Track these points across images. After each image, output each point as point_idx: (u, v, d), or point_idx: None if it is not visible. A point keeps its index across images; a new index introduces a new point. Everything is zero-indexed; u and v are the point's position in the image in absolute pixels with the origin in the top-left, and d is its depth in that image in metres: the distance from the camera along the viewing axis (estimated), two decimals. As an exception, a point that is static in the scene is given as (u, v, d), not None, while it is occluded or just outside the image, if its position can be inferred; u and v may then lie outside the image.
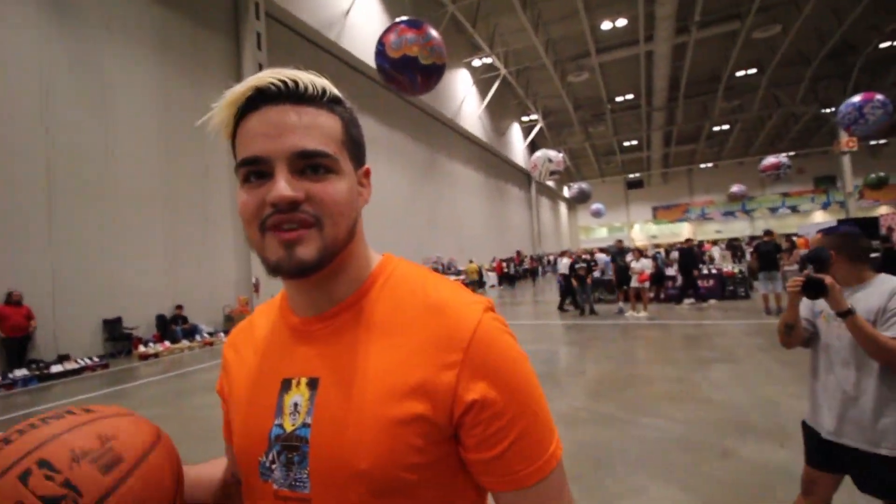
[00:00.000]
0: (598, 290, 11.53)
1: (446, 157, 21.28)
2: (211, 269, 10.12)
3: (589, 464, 3.02)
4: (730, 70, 21.65)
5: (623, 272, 9.67)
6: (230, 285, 10.57)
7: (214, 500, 0.65)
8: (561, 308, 11.14)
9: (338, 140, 0.51)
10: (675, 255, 12.60)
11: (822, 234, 1.76)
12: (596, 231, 45.46)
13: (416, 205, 18.32)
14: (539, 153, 15.99)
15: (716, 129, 31.30)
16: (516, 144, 30.29)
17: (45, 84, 7.43)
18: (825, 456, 1.69)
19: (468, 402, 0.48)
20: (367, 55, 13.61)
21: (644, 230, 42.25)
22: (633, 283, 9.30)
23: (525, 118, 30.43)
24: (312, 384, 0.52)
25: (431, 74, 5.66)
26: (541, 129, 29.88)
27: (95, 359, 7.27)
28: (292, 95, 0.49)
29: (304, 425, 0.50)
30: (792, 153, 29.75)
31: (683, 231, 40.29)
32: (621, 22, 18.21)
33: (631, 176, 41.86)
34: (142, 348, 7.89)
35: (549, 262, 28.59)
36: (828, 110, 23.92)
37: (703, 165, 38.58)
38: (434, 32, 5.85)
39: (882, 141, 31.09)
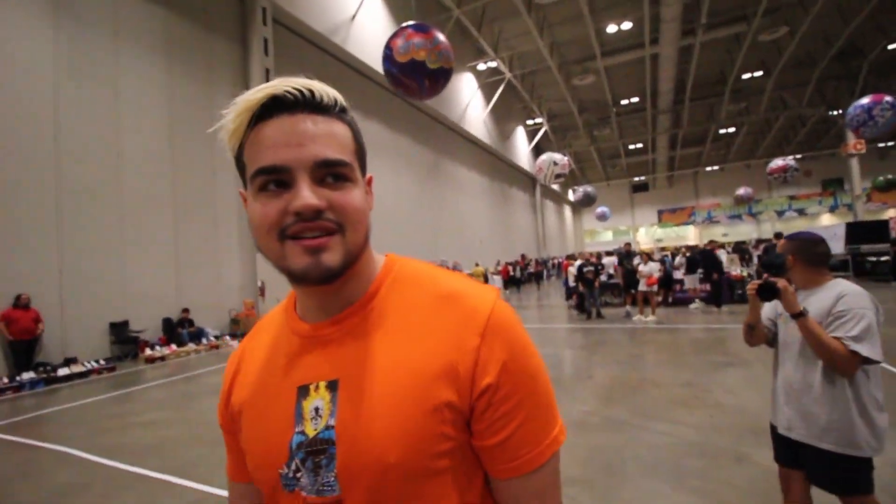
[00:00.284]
0: (605, 294, 11.45)
1: (451, 160, 21.30)
2: (217, 273, 10.15)
3: (601, 469, 2.98)
4: (736, 72, 21.55)
5: (631, 275, 9.61)
6: (236, 289, 10.60)
7: None
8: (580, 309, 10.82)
9: (351, 149, 0.52)
10: (680, 259, 12.52)
11: (786, 239, 1.82)
12: (601, 234, 45.30)
13: (422, 208, 18.33)
14: (544, 156, 15.98)
15: (722, 131, 31.16)
16: (521, 148, 30.28)
17: (55, 88, 7.50)
18: (788, 452, 1.75)
19: (483, 385, 0.49)
20: (373, 60, 13.67)
21: (649, 233, 42.05)
22: (642, 287, 9.24)
23: (530, 122, 30.43)
24: (332, 386, 0.52)
25: (439, 78, 5.67)
26: (545, 132, 29.87)
27: (102, 362, 7.30)
28: (308, 104, 0.50)
29: (328, 427, 0.50)
30: (799, 156, 29.57)
31: (689, 234, 40.08)
32: (626, 25, 18.19)
33: (636, 179, 41.72)
34: (148, 351, 7.92)
35: (553, 265, 28.50)
36: (835, 112, 23.78)
37: (708, 168, 38.39)
38: (441, 36, 5.86)
39: (890, 143, 30.83)
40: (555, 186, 37.91)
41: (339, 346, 0.54)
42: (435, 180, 19.67)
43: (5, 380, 6.24)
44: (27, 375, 6.38)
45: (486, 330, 0.50)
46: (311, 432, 0.51)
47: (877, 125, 10.69)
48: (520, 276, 21.02)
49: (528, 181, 33.28)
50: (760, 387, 4.50)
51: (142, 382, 6.45)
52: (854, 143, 20.65)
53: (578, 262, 10.78)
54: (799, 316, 1.60)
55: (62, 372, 6.71)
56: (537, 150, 30.62)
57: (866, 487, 1.59)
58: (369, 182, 0.58)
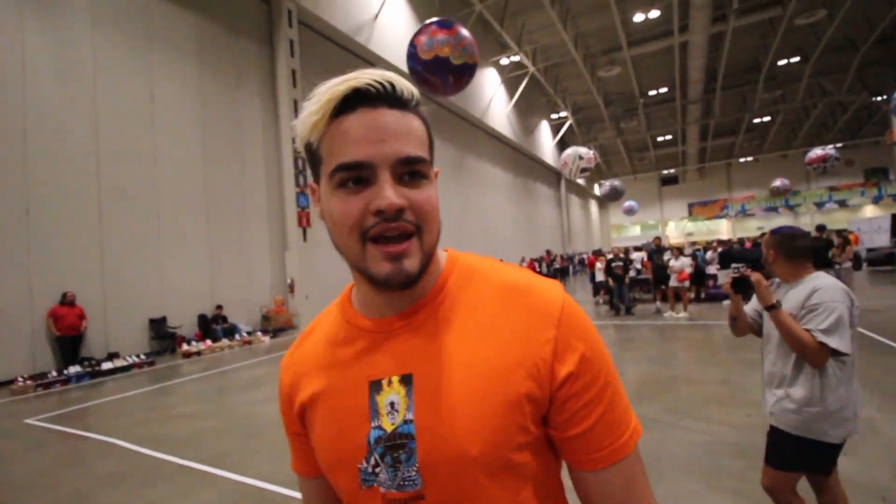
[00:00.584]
0: (634, 290, 11.21)
1: (475, 156, 21.22)
2: (248, 271, 10.43)
3: (633, 467, 2.92)
4: (771, 59, 20.66)
5: (661, 271, 9.38)
6: (266, 286, 10.87)
7: None
8: (610, 305, 10.71)
9: (426, 144, 0.52)
10: (712, 254, 12.14)
11: (769, 234, 1.90)
12: (629, 229, 44.32)
13: (445, 205, 18.31)
14: (569, 150, 15.72)
15: (756, 121, 29.95)
16: (545, 142, 29.91)
17: (94, 93, 7.84)
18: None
19: (563, 376, 0.49)
20: (396, 58, 13.73)
21: (679, 227, 40.90)
22: (672, 283, 9.00)
23: (554, 116, 30.01)
24: (406, 380, 0.51)
25: (463, 74, 5.64)
26: (570, 126, 29.40)
27: (143, 356, 7.62)
28: (389, 98, 0.49)
29: (406, 422, 0.50)
30: (840, 144, 28.13)
31: (721, 228, 38.79)
32: (654, 13, 17.67)
33: (665, 172, 40.60)
34: (185, 346, 8.21)
35: (579, 261, 28.08)
36: (879, 98, 22.52)
37: (742, 159, 37.03)
38: (465, 32, 5.83)
39: (941, 129, 28.99)
40: (580, 181, 37.27)
41: (409, 340, 0.53)
42: (459, 177, 19.65)
43: (53, 373, 6.59)
44: (73, 369, 6.72)
45: (560, 321, 0.51)
46: (388, 427, 0.51)
47: (927, 110, 10.06)
48: (545, 273, 20.78)
49: (552, 176, 32.85)
50: (801, 385, 4.32)
51: (179, 376, 6.69)
52: (901, 130, 19.50)
53: (609, 257, 10.60)
54: (771, 308, 1.69)
55: (106, 366, 7.03)
56: (562, 145, 30.19)
57: (826, 468, 1.74)
58: (435, 175, 0.57)
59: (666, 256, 9.48)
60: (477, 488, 0.48)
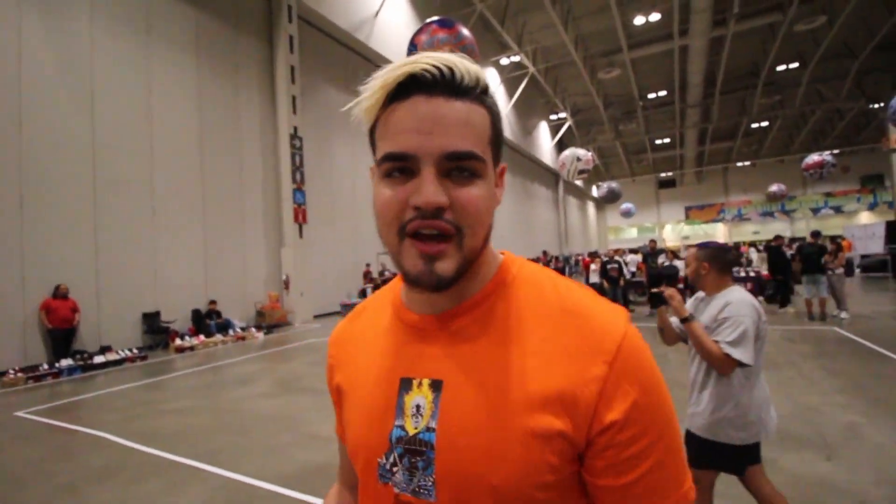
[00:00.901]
0: (629, 293, 11.24)
1: (473, 156, 21.20)
2: (243, 266, 10.42)
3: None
4: (770, 64, 20.73)
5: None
6: (261, 282, 10.86)
7: None
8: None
9: (486, 139, 0.48)
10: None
11: (697, 248, 2.00)
12: (625, 231, 44.45)
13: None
14: (567, 152, 15.74)
15: (754, 125, 30.05)
16: (544, 143, 29.93)
17: (92, 85, 7.80)
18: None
19: (608, 421, 0.44)
20: (397, 56, 13.71)
21: (676, 231, 41.05)
22: (666, 286, 9.05)
23: (553, 116, 30.04)
24: (436, 386, 0.49)
25: (461, 74, 5.65)
26: (569, 127, 29.44)
27: (135, 350, 7.60)
28: (447, 86, 0.45)
29: (429, 429, 0.48)
30: (836, 151, 28.31)
31: (718, 232, 38.94)
32: (655, 16, 17.69)
33: (663, 175, 40.70)
34: (178, 341, 8.20)
35: (575, 262, 28.14)
36: (876, 105, 22.64)
37: (739, 164, 37.14)
38: (466, 31, 5.84)
39: (937, 137, 29.17)
40: (578, 182, 37.31)
41: (448, 344, 0.50)
42: (456, 176, 19.63)
43: (45, 366, 6.57)
44: (65, 362, 6.70)
45: (615, 358, 0.45)
46: (411, 430, 0.49)
47: (922, 119, 10.12)
48: None
49: (550, 177, 32.89)
50: (790, 390, 4.37)
51: (172, 371, 6.69)
52: (896, 138, 19.62)
53: (605, 259, 10.63)
54: (685, 321, 1.84)
55: (98, 360, 7.01)
56: (560, 146, 30.25)
57: (736, 469, 1.87)
58: (502, 172, 0.54)
59: (660, 259, 9.52)
60: None
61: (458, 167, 0.46)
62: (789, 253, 15.01)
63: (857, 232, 18.78)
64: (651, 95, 26.42)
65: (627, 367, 0.45)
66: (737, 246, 20.44)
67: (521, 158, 27.19)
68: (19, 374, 6.20)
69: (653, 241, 10.79)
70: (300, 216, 11.32)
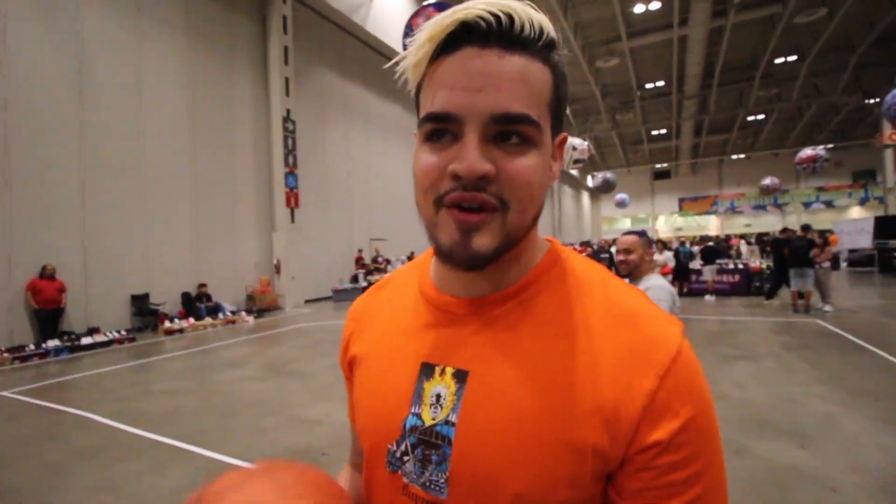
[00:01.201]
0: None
1: (468, 143, 21.10)
2: (234, 249, 10.36)
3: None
4: (768, 56, 20.65)
5: (645, 264, 9.50)
6: (252, 266, 10.82)
7: None
8: None
9: (544, 101, 0.41)
10: (693, 250, 12.29)
11: (639, 236, 2.05)
12: (619, 222, 44.62)
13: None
14: (563, 141, 15.68)
15: (750, 118, 30.05)
16: (540, 131, 29.79)
17: (79, 66, 7.63)
18: None
19: (650, 441, 0.38)
20: (393, 39, 13.51)
21: (669, 222, 41.27)
22: (655, 276, 9.14)
23: (550, 105, 29.84)
24: (461, 377, 0.44)
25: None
26: (566, 116, 29.27)
27: (123, 332, 7.59)
28: (504, 37, 0.39)
29: (448, 423, 0.43)
30: (830, 145, 28.39)
31: (711, 224, 39.19)
32: (655, 5, 17.51)
33: (658, 166, 40.76)
34: (167, 324, 8.18)
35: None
36: (872, 101, 22.71)
37: (734, 156, 37.24)
38: (458, 15, 5.75)
39: (930, 134, 29.35)
40: (574, 172, 37.30)
41: (479, 332, 0.45)
42: (451, 163, 19.55)
43: (31, 346, 6.55)
44: (52, 343, 6.67)
45: (668, 373, 0.39)
46: (428, 420, 0.44)
47: (915, 115, 10.18)
48: None
49: (546, 166, 32.78)
50: (769, 380, 4.45)
51: (160, 353, 6.68)
52: (890, 134, 19.72)
53: (595, 248, 10.70)
54: None
55: (85, 341, 6.99)
56: (557, 135, 30.07)
57: None
58: (562, 143, 0.47)
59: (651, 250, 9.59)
60: None
61: (508, 131, 0.40)
62: (779, 246, 15.08)
63: (846, 227, 18.98)
64: (649, 85, 26.28)
65: (680, 383, 0.40)
66: (727, 238, 20.64)
67: (516, 146, 27.08)
68: (5, 355, 6.18)
69: (643, 232, 10.86)
70: (292, 200, 11.24)
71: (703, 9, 16.20)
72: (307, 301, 11.82)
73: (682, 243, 11.78)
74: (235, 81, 10.44)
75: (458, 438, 0.42)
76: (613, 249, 10.75)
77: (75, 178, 7.55)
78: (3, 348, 6.37)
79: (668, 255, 9.12)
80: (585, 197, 45.25)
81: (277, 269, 11.08)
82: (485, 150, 0.39)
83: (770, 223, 36.18)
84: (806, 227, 8.73)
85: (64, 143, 7.42)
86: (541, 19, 0.41)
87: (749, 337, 6.46)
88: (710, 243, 13.38)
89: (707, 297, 10.50)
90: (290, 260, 11.13)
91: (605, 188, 21.38)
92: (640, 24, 19.57)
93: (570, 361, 0.41)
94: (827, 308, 8.06)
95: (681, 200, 40.66)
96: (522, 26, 0.39)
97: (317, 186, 12.27)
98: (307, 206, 11.79)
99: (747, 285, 10.79)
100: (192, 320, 8.59)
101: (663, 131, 33.42)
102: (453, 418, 0.43)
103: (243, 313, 9.64)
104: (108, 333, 7.39)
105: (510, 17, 0.39)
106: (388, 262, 13.77)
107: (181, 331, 8.20)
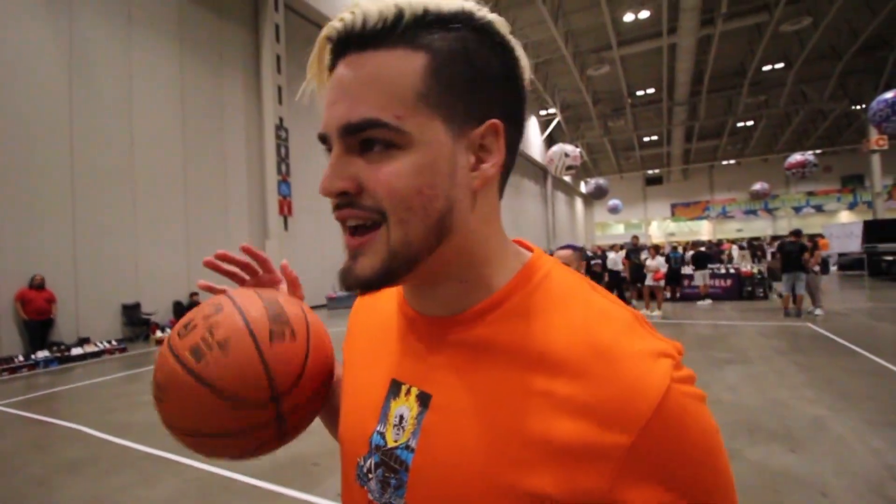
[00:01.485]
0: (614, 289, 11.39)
1: (462, 150, 21.20)
2: (227, 258, 10.31)
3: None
4: (756, 64, 21.00)
5: (638, 269, 9.55)
6: (245, 274, 10.76)
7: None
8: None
9: (410, 93, 0.35)
10: (690, 254, 12.39)
11: (573, 249, 2.28)
12: (612, 227, 44.91)
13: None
14: (556, 148, 15.83)
15: (740, 124, 30.49)
16: (533, 138, 30.01)
17: (70, 73, 7.61)
18: None
19: (627, 501, 0.31)
20: (384, 47, 13.61)
21: (662, 227, 41.59)
22: (648, 282, 9.18)
23: (543, 112, 30.09)
24: (424, 400, 0.41)
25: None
26: (558, 123, 29.53)
27: (114, 342, 7.50)
28: (354, 40, 0.36)
29: (408, 448, 0.40)
30: (819, 151, 28.82)
31: (703, 229, 39.52)
32: (644, 13, 17.78)
33: (650, 172, 41.14)
34: (159, 333, 8.10)
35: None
36: (858, 107, 23.11)
37: (725, 162, 37.67)
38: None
39: (916, 139, 29.87)
40: (566, 178, 37.55)
41: (440, 355, 0.41)
42: (445, 170, 19.63)
43: (20, 358, 6.46)
44: (42, 354, 6.59)
45: (646, 429, 0.31)
46: (390, 441, 0.42)
47: (900, 121, 10.37)
48: None
49: (539, 172, 33.01)
50: (761, 384, 4.48)
51: (151, 363, 6.59)
52: (876, 139, 20.09)
53: (613, 255, 10.72)
54: None
55: (76, 351, 6.91)
56: (550, 141, 30.32)
57: None
58: (492, 132, 0.38)
59: (643, 255, 9.65)
60: None
61: (366, 140, 0.36)
62: (770, 251, 15.23)
63: (836, 231, 19.21)
64: (640, 92, 26.61)
65: (661, 442, 0.31)
66: (719, 243, 20.81)
67: (510, 153, 27.23)
68: (-7, 366, 6.08)
69: (635, 237, 10.90)
70: (285, 208, 11.22)
71: (691, 18, 16.47)
72: (301, 309, 11.76)
73: (674, 248, 11.87)
74: (227, 89, 10.45)
75: (415, 467, 0.39)
76: (612, 255, 10.81)
77: (65, 186, 7.50)
78: (-10, 360, 6.28)
79: (661, 260, 9.18)
80: (579, 203, 45.52)
81: (270, 277, 11.04)
82: (347, 164, 0.36)
83: (761, 228, 36.54)
84: (797, 232, 8.83)
85: (54, 150, 7.37)
86: (398, 3, 0.35)
87: (741, 341, 6.50)
88: (703, 248, 13.49)
89: (701, 301, 10.57)
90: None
91: (598, 194, 21.51)
92: (630, 33, 19.85)
93: (532, 400, 0.35)
94: (818, 312, 8.13)
95: (673, 206, 41.01)
96: (365, 21, 0.35)
97: (310, 194, 12.26)
98: (300, 213, 11.77)
99: (739, 290, 10.87)
100: (183, 330, 8.51)
101: (654, 137, 33.78)
102: (413, 444, 0.40)
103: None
104: (98, 344, 7.30)
105: (364, 16, 0.35)
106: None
107: (173, 340, 8.13)
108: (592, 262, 10.00)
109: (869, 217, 22.00)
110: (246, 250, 0.65)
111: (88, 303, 7.72)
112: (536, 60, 22.01)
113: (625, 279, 10.10)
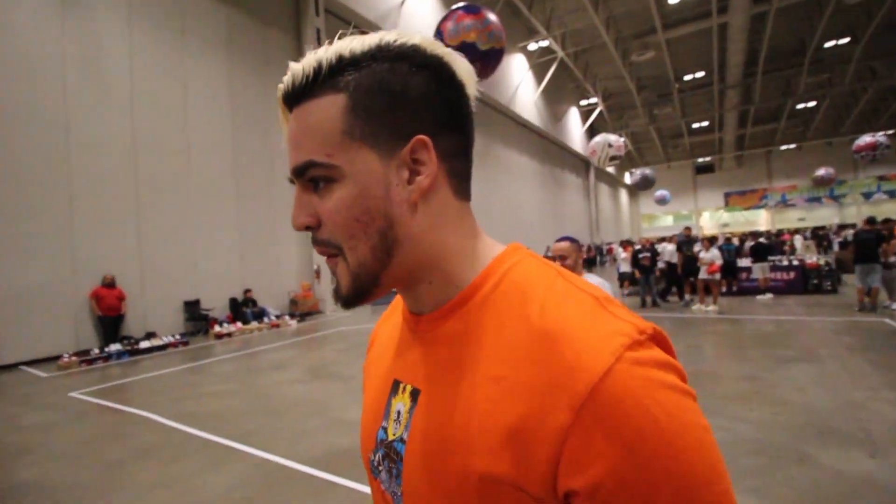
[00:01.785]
0: (661, 282, 10.92)
1: (501, 144, 21.01)
2: (276, 256, 10.73)
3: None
4: (817, 40, 19.45)
5: (691, 262, 9.13)
6: (294, 272, 11.17)
7: None
8: (664, 300, 10.44)
9: (335, 132, 0.39)
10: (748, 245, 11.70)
11: (570, 242, 2.32)
12: (660, 219, 43.16)
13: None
14: (598, 138, 15.37)
15: (800, 106, 28.38)
16: (574, 130, 29.28)
17: (132, 86, 8.13)
18: None
19: (568, 488, 0.32)
20: (422, 44, 13.66)
21: (714, 218, 39.52)
22: (702, 275, 8.74)
23: (584, 102, 29.27)
24: (414, 395, 0.44)
25: (490, 60, 5.59)
26: (600, 112, 28.65)
27: (178, 336, 7.99)
28: (292, 96, 0.41)
29: (402, 440, 0.44)
30: (891, 132, 26.40)
31: (760, 219, 37.25)
32: (691, -6, 16.90)
33: (700, 160, 39.17)
34: (217, 328, 8.55)
35: (607, 251, 27.57)
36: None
37: (784, 147, 35.27)
38: (492, 16, 5.76)
39: None
40: (610, 169, 36.41)
41: (429, 352, 0.45)
42: (483, 165, 19.52)
43: (96, 350, 7.00)
44: (114, 347, 7.11)
45: (585, 405, 0.32)
46: (390, 435, 0.46)
47: None
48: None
49: (581, 164, 32.20)
50: (832, 385, 4.17)
51: (211, 356, 6.99)
52: (962, 115, 18.12)
53: (637, 248, 10.39)
54: None
55: (143, 345, 7.41)
56: (592, 132, 29.49)
57: None
58: (421, 147, 0.41)
59: (696, 248, 9.21)
60: None
61: (311, 179, 0.41)
62: (837, 241, 14.17)
63: (915, 218, 17.54)
64: (687, 77, 25.30)
65: (604, 417, 0.32)
66: (779, 233, 19.55)
67: (550, 145, 26.71)
68: (73, 358, 6.63)
69: (688, 229, 10.43)
70: (330, 207, 11.52)
71: (744, -6, 15.49)
72: (346, 305, 12.10)
73: (728, 240, 11.25)
74: (272, 93, 10.82)
75: (406, 457, 0.43)
76: (661, 247, 10.40)
77: (131, 195, 8.05)
78: (70, 353, 6.85)
79: (715, 252, 8.71)
80: (623, 194, 44.05)
81: (318, 274, 11.39)
82: (306, 202, 0.42)
83: (825, 216, 34.00)
84: (871, 220, 8.14)
85: (119, 162, 7.92)
86: (320, 55, 0.40)
87: (808, 338, 6.08)
88: (762, 239, 12.70)
89: (761, 296, 9.98)
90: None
91: (644, 185, 20.69)
92: (675, 15, 18.91)
93: (492, 388, 0.37)
94: (895, 306, 7.49)
95: (727, 195, 38.88)
96: (293, 80, 0.41)
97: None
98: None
99: (804, 283, 10.17)
100: (239, 325, 8.95)
101: (705, 123, 32.09)
102: (405, 436, 0.44)
103: (287, 317, 9.95)
104: (163, 338, 7.80)
105: (293, 76, 0.41)
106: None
107: (230, 335, 8.56)
108: (640, 254, 9.64)
109: (953, 202, 19.94)
110: None
111: (154, 300, 8.27)
112: (576, 49, 21.41)
113: (674, 272, 9.70)
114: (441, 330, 0.44)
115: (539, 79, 22.07)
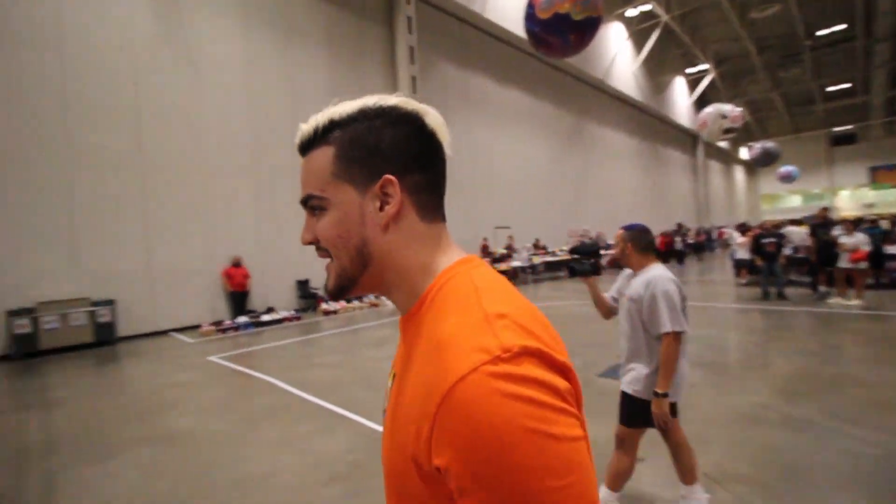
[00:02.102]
0: (790, 272, 9.54)
1: (595, 121, 19.90)
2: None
3: (778, 471, 2.60)
4: None
5: (828, 248, 7.87)
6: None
7: None
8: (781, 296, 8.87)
9: (327, 173, 0.53)
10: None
11: (623, 230, 2.22)
12: (784, 199, 37.86)
13: (561, 175, 17.63)
14: (710, 109, 13.87)
15: (984, 55, 22.85)
16: (679, 101, 26.71)
17: (247, 85, 9.01)
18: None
19: (437, 465, 0.40)
20: (513, 23, 13.28)
21: (856, 197, 33.76)
22: (843, 263, 7.50)
23: (691, 70, 26.51)
24: (394, 380, 0.56)
25: (586, 30, 5.24)
26: (712, 80, 25.74)
27: (293, 312, 8.87)
28: (301, 148, 0.57)
29: (384, 412, 0.57)
30: None
31: (918, 197, 31.06)
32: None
33: (837, 129, 33.49)
34: (324, 306, 9.32)
35: (718, 236, 24.93)
36: None
37: (956, 108, 28.81)
38: (588, -17, 5.38)
39: None
40: (723, 144, 32.72)
41: (402, 345, 0.57)
42: (576, 144, 18.66)
43: (227, 321, 8.03)
44: (242, 319, 8.10)
45: (442, 403, 0.40)
46: (384, 409, 0.58)
47: None
48: (682, 249, 18.16)
49: (687, 139, 29.38)
50: None
51: (320, 331, 7.65)
52: None
53: (759, 232, 9.23)
54: (657, 395, 1.99)
55: (265, 318, 8.34)
56: (702, 102, 26.66)
57: (644, 423, 2.08)
58: (385, 185, 0.52)
59: (835, 231, 7.94)
60: None
61: (310, 208, 0.56)
62: None
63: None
64: (822, 32, 21.62)
65: (449, 416, 0.39)
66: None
67: (650, 120, 24.70)
68: (210, 327, 7.68)
69: (824, 209, 9.02)
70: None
71: (909, -78, 12.73)
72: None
73: (874, 223, 9.54)
74: (368, 83, 11.32)
75: (384, 428, 0.54)
76: (798, 230, 9.12)
77: (250, 185, 9.03)
78: (208, 322, 7.94)
79: (861, 237, 7.41)
80: (739, 172, 39.45)
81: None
82: (310, 224, 0.56)
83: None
84: None
85: (242, 158, 8.91)
86: (317, 119, 0.55)
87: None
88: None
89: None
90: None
91: (765, 161, 18.24)
92: (813, -42, 16.18)
93: (416, 380, 0.47)
94: None
95: (872, 170, 32.93)
96: (303, 137, 0.56)
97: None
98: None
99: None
100: (343, 303, 9.66)
101: (845, 86, 27.33)
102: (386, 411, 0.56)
103: (384, 297, 10.52)
104: (280, 312, 8.72)
105: (300, 135, 0.56)
106: (513, 249, 13.77)
107: (335, 312, 9.29)
108: (764, 240, 8.54)
109: None
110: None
111: (272, 278, 9.25)
112: (683, 11, 19.35)
113: (808, 260, 8.46)
114: (408, 330, 0.54)
115: (639, 47, 20.39)
